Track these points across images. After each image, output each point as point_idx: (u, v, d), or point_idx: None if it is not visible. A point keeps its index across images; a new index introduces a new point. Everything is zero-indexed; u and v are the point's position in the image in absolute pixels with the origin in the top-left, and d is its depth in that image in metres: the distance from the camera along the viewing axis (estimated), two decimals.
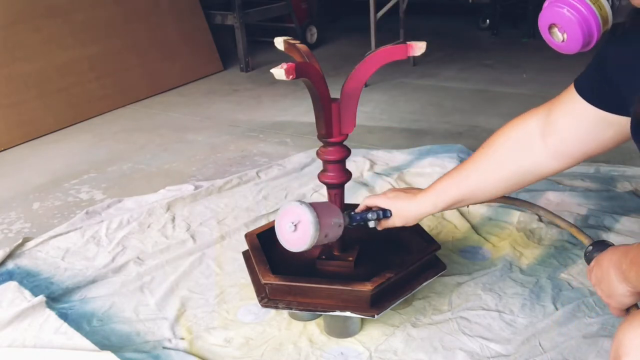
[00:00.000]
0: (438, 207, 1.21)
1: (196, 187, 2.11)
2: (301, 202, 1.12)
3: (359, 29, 4.42)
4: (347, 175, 1.33)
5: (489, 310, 1.38)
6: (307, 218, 1.10)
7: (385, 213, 1.24)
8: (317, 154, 1.31)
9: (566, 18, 0.80)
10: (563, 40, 0.84)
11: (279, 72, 1.04)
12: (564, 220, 1.18)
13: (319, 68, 1.18)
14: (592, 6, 0.80)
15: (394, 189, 1.30)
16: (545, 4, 0.86)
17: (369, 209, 1.27)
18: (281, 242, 1.16)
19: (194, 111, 3.20)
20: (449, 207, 1.22)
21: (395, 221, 1.24)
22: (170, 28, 3.76)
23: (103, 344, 1.31)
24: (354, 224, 1.24)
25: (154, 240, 1.78)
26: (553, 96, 1.09)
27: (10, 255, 1.71)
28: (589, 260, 1.09)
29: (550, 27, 0.84)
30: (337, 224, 1.17)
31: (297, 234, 1.12)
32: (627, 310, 0.96)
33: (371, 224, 1.25)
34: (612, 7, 0.80)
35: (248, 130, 2.84)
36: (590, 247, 1.12)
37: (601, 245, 1.09)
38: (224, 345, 1.33)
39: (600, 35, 0.81)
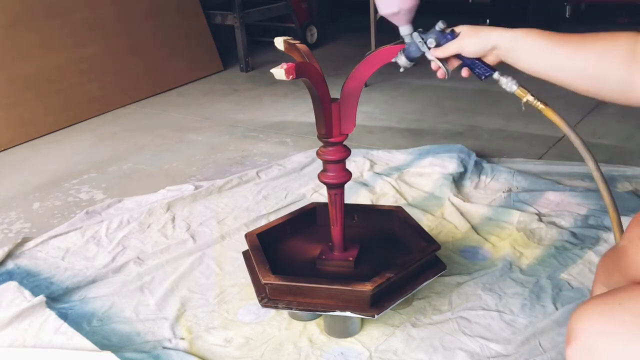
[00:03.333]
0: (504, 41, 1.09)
1: (196, 187, 2.11)
2: None
3: (359, 29, 4.42)
4: (347, 175, 1.33)
5: (489, 310, 1.38)
6: None
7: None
8: (317, 154, 1.31)
9: None
10: None
11: (279, 72, 1.04)
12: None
13: (319, 68, 1.17)
14: None
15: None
16: None
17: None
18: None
19: (194, 111, 3.20)
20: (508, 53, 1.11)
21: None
22: (170, 28, 3.76)
23: (103, 344, 1.31)
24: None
25: (154, 240, 1.78)
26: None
27: (10, 255, 1.71)
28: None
29: None
30: None
31: None
32: None
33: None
34: None
35: (248, 130, 2.84)
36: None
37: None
38: (224, 345, 1.33)
39: None
